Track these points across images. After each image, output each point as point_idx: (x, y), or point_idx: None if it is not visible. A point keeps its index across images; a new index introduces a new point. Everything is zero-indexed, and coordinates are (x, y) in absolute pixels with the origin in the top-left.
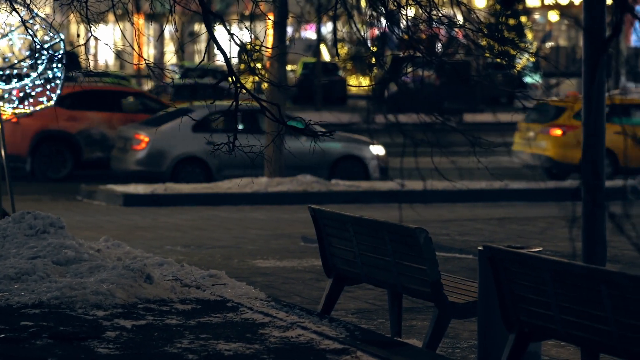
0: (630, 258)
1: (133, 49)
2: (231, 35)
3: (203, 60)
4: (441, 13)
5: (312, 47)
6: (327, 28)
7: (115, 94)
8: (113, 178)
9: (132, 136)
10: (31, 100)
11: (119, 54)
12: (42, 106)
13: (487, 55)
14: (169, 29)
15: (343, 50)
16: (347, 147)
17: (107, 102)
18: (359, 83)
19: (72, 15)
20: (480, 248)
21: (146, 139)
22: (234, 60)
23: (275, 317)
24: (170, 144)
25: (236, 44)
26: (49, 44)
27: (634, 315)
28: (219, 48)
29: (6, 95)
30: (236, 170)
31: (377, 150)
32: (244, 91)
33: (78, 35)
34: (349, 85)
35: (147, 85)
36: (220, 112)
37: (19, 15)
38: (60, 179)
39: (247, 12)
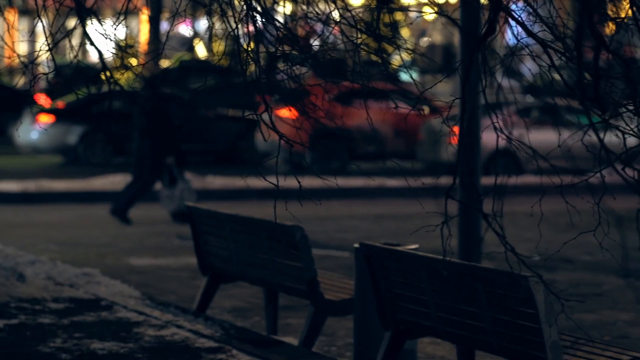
0: (505, 254)
1: (6, 44)
2: (104, 30)
3: (77, 56)
4: (317, 10)
5: (187, 43)
6: (202, 24)
7: None
8: None
9: None
10: None
11: None
12: None
13: (363, 52)
14: (42, 24)
15: (218, 46)
16: None
17: None
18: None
19: None
20: (356, 245)
21: None
22: (109, 56)
23: (150, 316)
24: None
25: (110, 39)
26: None
27: (509, 312)
28: (92, 44)
29: None
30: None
31: None
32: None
33: None
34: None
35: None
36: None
37: None
38: None
39: (121, 7)
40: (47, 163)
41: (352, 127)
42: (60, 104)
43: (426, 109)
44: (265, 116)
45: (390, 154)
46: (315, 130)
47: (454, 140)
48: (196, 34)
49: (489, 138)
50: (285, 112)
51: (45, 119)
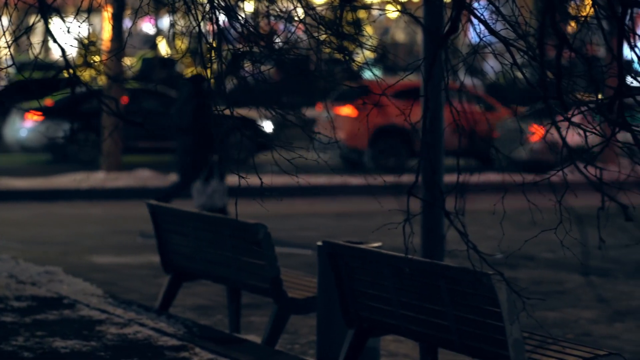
0: (468, 252)
1: None
2: (67, 28)
3: (40, 53)
4: (280, 7)
5: (150, 41)
6: (165, 22)
7: None
8: None
9: None
10: None
11: None
12: None
13: (327, 50)
14: (2, 22)
15: (181, 44)
16: None
17: None
18: None
19: None
20: (319, 243)
21: None
22: (71, 54)
23: (112, 314)
24: None
25: (74, 37)
26: None
27: (472, 310)
28: (55, 41)
29: None
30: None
31: None
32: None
33: None
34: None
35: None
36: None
37: None
38: None
39: (83, 4)
40: (35, 160)
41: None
42: (48, 101)
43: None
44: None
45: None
46: (374, 127)
47: (535, 138)
48: (159, 32)
49: None
50: (346, 110)
51: (33, 117)
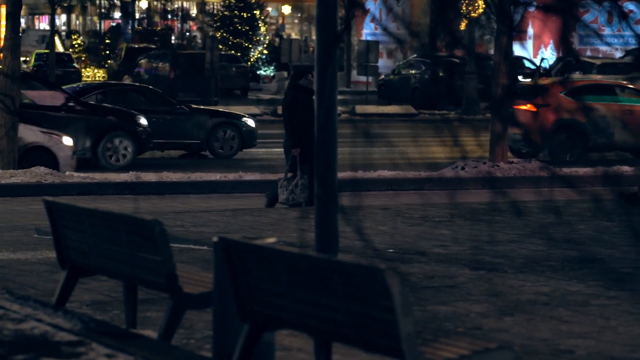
0: (362, 248)
1: None
2: None
3: None
4: (175, 5)
5: (46, 38)
6: (61, 19)
7: None
8: None
9: None
10: None
11: None
12: None
13: (221, 47)
14: None
15: (77, 41)
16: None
17: None
18: (93, 74)
19: None
20: (215, 239)
21: None
22: None
23: (8, 310)
24: None
25: None
26: None
27: (366, 305)
28: None
29: None
30: None
31: (69, 142)
32: None
33: None
34: (84, 76)
35: None
36: None
37: None
38: None
39: None
40: None
41: (586, 121)
42: None
43: None
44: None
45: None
46: (552, 123)
47: None
48: (55, 29)
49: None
50: (525, 107)
51: None
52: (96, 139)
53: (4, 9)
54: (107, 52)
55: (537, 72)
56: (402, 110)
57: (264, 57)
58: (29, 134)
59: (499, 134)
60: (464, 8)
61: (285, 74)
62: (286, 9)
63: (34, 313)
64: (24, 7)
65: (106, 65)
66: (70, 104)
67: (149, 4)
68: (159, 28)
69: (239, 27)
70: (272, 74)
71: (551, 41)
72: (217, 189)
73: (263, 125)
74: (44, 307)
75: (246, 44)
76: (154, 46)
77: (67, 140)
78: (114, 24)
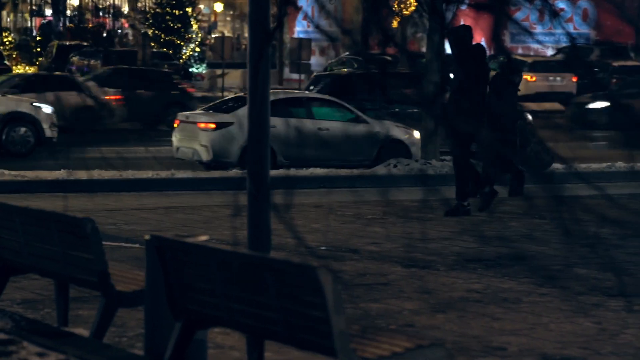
0: (294, 246)
1: None
2: None
3: None
4: (107, 3)
5: None
6: None
7: None
8: None
9: None
10: None
11: None
12: None
13: (153, 45)
14: None
15: (9, 38)
16: None
17: None
18: (24, 72)
19: None
20: (147, 237)
21: None
22: None
23: None
24: None
25: None
26: None
27: (298, 302)
28: None
29: None
30: None
31: None
32: None
33: None
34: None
35: None
36: None
37: None
38: None
39: None
40: None
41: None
42: None
43: None
44: None
45: None
46: None
47: None
48: None
49: None
50: None
51: None
52: None
53: None
54: (39, 49)
55: None
56: None
57: (196, 54)
58: None
59: (431, 131)
60: (396, 6)
61: (216, 71)
62: (218, 7)
63: None
64: None
65: (37, 63)
66: None
67: (80, 1)
68: (90, 25)
69: (171, 25)
70: (204, 72)
71: (482, 39)
72: (149, 186)
73: None
74: None
75: (178, 42)
76: (85, 43)
77: None
78: (45, 21)
